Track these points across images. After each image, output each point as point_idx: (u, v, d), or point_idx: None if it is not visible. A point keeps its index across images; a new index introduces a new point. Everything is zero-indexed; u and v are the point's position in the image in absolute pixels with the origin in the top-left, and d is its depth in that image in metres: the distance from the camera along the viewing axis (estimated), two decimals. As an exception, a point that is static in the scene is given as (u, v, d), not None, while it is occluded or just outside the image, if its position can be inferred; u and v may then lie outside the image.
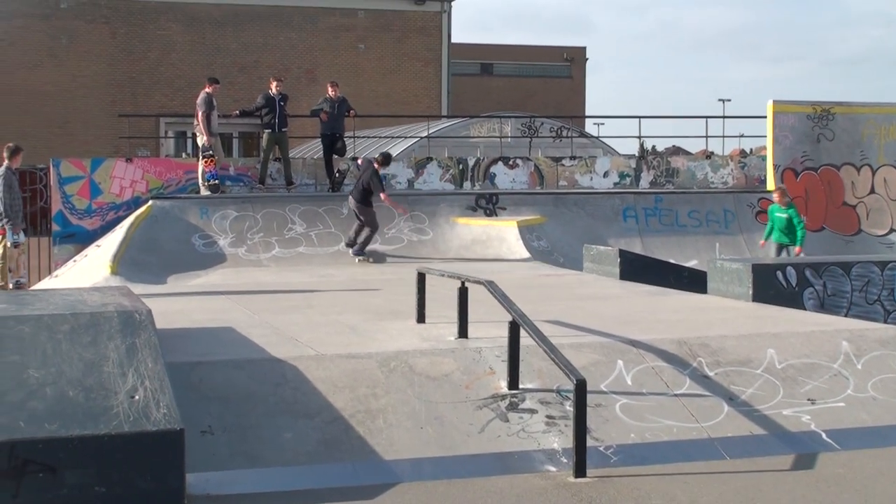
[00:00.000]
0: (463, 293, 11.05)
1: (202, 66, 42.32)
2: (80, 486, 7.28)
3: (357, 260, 20.40)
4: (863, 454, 9.13)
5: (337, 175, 24.18)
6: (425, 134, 31.67)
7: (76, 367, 8.16)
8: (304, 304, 14.31)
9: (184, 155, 37.50)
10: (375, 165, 21.18)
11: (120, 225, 21.26)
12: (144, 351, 8.42)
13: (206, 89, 23.01)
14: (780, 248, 20.59)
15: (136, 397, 7.80)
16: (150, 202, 21.71)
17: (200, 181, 22.82)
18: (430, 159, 26.47)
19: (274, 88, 23.77)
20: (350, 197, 21.13)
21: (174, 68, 43.65)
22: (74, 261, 20.88)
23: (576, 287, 16.51)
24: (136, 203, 22.48)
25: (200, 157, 22.93)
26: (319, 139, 25.30)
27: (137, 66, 43.47)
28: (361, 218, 20.93)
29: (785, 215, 20.50)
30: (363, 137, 34.52)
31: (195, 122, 23.06)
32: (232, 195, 22.47)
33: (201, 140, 22.83)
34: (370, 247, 21.17)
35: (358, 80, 43.50)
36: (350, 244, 21.08)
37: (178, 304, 14.27)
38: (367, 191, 20.76)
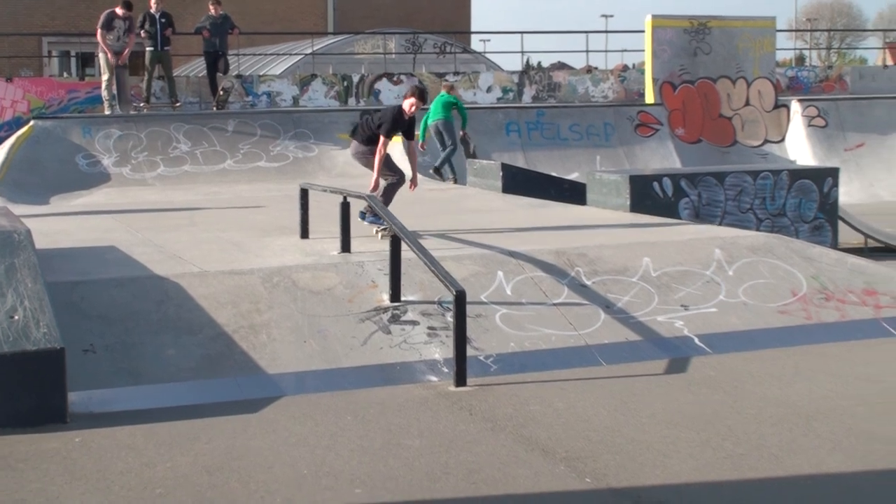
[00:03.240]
0: (345, 208, 11.14)
1: (85, -17, 41.41)
2: (-39, 406, 7.32)
3: (376, 232, 12.19)
4: (733, 357, 9.46)
5: (221, 93, 23.99)
6: (310, 51, 31.45)
7: (-46, 289, 8.13)
8: (188, 223, 14.29)
9: (65, 74, 36.84)
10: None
11: (0, 146, 20.88)
12: (23, 271, 8.39)
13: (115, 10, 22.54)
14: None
15: (16, 317, 7.80)
16: (32, 122, 21.34)
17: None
18: (314, 76, 26.37)
19: (153, 6, 23.42)
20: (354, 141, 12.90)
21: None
22: (-47, 183, 20.51)
23: (459, 201, 16.68)
24: (17, 123, 22.13)
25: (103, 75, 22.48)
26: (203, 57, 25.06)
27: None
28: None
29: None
30: (248, 55, 34.19)
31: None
32: (115, 114, 22.15)
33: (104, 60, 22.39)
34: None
35: (243, -3, 42.91)
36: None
37: (60, 225, 14.15)
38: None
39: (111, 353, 8.57)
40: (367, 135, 12.31)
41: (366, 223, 12.15)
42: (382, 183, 12.28)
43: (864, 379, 8.77)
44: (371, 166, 12.21)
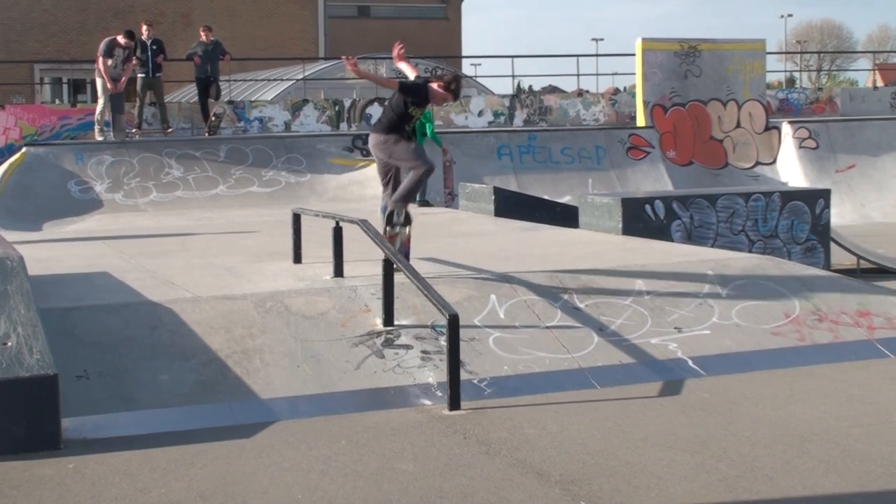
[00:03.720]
0: (338, 232, 11.13)
1: (75, 11, 41.57)
2: (-46, 433, 7.30)
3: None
4: (727, 379, 9.46)
5: (213, 118, 24.05)
6: (301, 76, 31.51)
7: (-53, 316, 8.11)
8: (180, 248, 14.28)
9: (57, 101, 36.88)
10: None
11: (-8, 173, 20.90)
12: (16, 297, 8.38)
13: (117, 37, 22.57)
14: None
15: (9, 344, 7.79)
16: (24, 149, 21.40)
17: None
18: (306, 101, 26.40)
19: (144, 33, 23.48)
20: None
21: (47, 14, 42.69)
22: (-54, 210, 20.49)
23: (451, 224, 16.69)
24: (9, 150, 22.14)
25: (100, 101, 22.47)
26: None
27: (9, 13, 42.42)
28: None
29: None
30: (239, 81, 34.22)
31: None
32: (107, 140, 22.16)
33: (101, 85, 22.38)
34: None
35: (234, 23, 43.01)
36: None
37: (53, 251, 14.14)
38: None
39: (104, 379, 8.56)
40: (389, 118, 10.89)
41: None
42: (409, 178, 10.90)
43: (859, 400, 8.78)
44: (395, 158, 10.90)
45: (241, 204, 20.81)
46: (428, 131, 19.50)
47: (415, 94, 10.69)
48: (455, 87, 10.74)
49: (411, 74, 11.11)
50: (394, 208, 11.00)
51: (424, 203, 19.91)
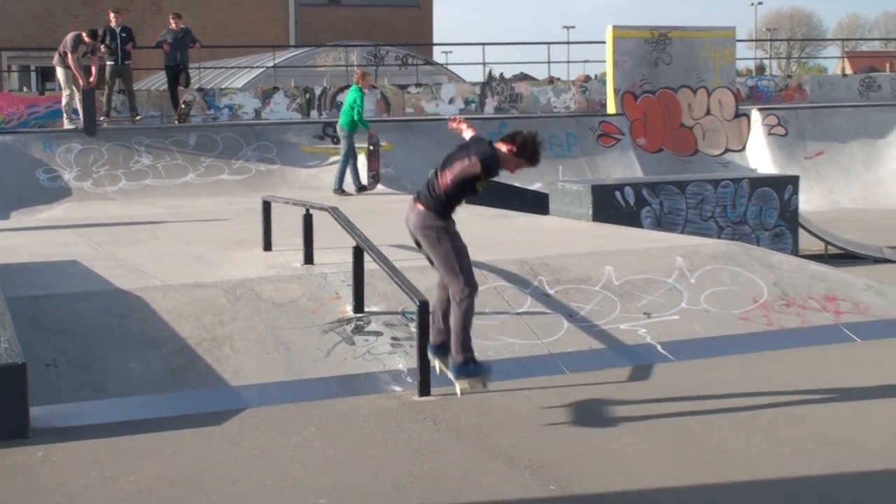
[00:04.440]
0: (308, 220, 11.13)
1: (43, -1, 41.24)
2: (-78, 422, 7.27)
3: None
4: (695, 364, 9.51)
5: (182, 106, 23.94)
6: (272, 64, 31.42)
7: (-86, 304, 8.08)
8: (150, 236, 14.24)
9: (25, 89, 36.65)
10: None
11: (-39, 162, 20.75)
12: (-16, 286, 8.35)
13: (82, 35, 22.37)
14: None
15: (-23, 332, 7.76)
16: (-8, 137, 21.23)
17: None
18: (276, 89, 26.30)
19: (113, 20, 23.35)
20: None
21: (15, 2, 42.36)
22: (-88, 200, 20.34)
23: (422, 212, 16.66)
24: (-24, 139, 21.96)
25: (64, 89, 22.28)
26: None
27: (-25, 1, 42.14)
28: None
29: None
30: (209, 68, 34.09)
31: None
32: (76, 128, 22.03)
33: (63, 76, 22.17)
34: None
35: (204, 11, 42.75)
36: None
37: (21, 239, 14.09)
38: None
39: (74, 368, 8.54)
40: (449, 193, 8.23)
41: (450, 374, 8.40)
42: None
43: (826, 384, 8.84)
44: (435, 258, 8.37)
45: (211, 192, 20.72)
46: (356, 116, 19.38)
47: (491, 172, 8.18)
48: (529, 152, 8.19)
49: (468, 134, 8.92)
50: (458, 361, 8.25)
51: (362, 189, 19.80)
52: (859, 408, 8.22)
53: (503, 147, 8.17)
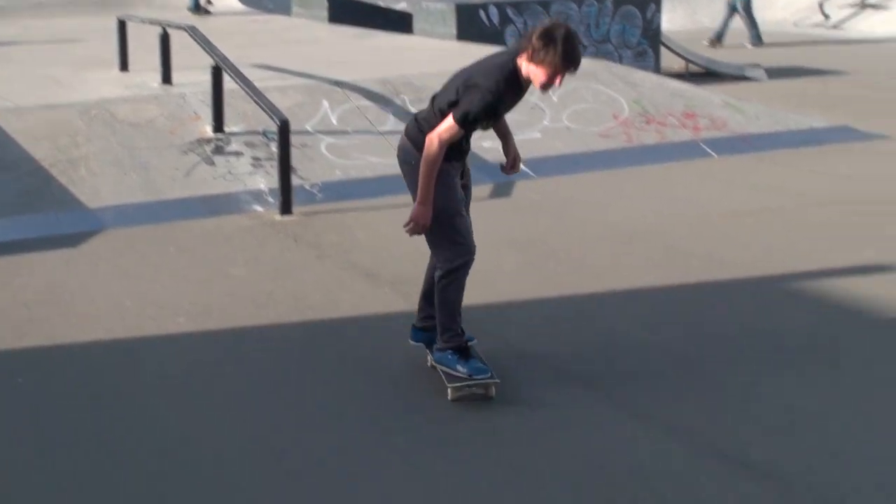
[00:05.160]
0: (165, 39, 10.84)
1: None
2: None
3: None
4: (557, 180, 9.60)
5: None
6: None
7: None
8: (3, 59, 13.73)
9: None
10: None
11: None
12: None
13: None
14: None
15: None
16: None
17: None
18: None
19: None
20: None
21: None
22: None
23: (283, 32, 16.36)
24: None
25: None
26: None
27: None
28: None
29: None
30: None
31: None
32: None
33: None
34: None
35: None
36: None
37: None
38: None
39: (-77, 191, 8.31)
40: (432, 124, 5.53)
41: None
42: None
43: (683, 199, 9.01)
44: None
45: (68, 12, 19.98)
46: None
47: (500, 111, 5.69)
48: (560, 62, 5.20)
49: None
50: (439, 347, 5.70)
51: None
52: (714, 222, 8.40)
53: (527, 64, 5.28)
